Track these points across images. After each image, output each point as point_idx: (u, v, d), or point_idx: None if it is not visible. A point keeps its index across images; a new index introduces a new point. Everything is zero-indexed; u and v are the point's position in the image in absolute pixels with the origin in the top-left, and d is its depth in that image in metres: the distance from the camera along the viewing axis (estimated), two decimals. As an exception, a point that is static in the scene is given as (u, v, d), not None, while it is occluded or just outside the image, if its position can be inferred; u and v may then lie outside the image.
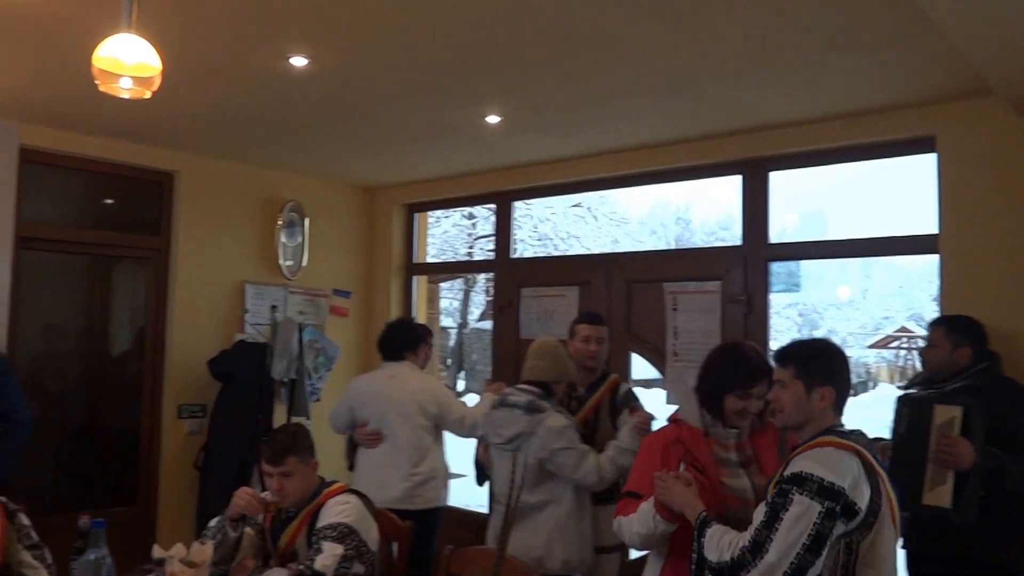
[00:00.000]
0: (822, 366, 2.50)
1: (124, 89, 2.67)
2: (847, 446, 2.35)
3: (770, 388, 2.63)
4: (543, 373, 3.70)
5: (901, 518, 2.50)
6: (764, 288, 4.62)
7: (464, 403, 4.51)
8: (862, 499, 2.26)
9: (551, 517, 3.53)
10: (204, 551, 3.03)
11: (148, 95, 2.73)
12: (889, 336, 29.19)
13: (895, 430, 3.37)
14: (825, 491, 2.23)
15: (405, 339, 4.54)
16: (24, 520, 3.33)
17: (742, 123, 4.43)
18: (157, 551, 2.97)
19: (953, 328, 3.52)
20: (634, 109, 4.24)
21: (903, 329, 27.91)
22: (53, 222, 5.23)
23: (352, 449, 4.58)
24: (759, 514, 2.35)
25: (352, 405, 4.48)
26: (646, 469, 2.78)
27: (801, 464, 2.32)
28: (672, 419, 2.92)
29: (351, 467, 4.56)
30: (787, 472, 2.34)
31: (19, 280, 4.88)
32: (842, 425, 2.47)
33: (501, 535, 2.52)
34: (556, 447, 3.50)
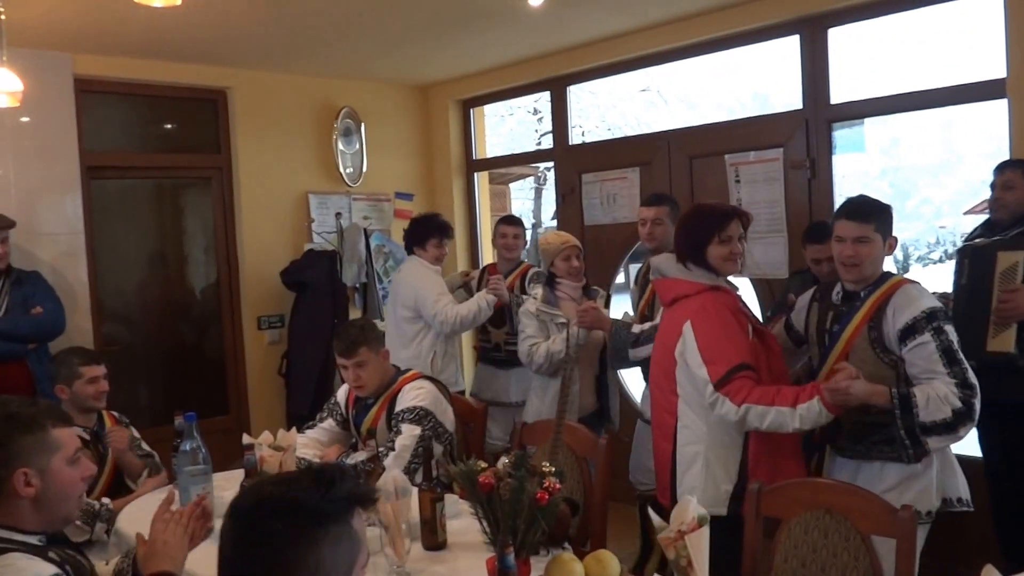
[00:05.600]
0: (889, 219, 2.75)
1: (156, -3, 2.70)
2: (909, 281, 2.71)
3: (744, 228, 2.86)
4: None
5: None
6: (828, 151, 4.45)
7: (444, 299, 4.59)
8: None
9: None
10: (290, 436, 3.22)
11: (179, 1, 2.76)
12: (984, 201, 27.80)
13: (956, 282, 3.27)
14: (945, 314, 2.63)
15: (411, 235, 4.79)
16: (134, 432, 3.63)
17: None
18: (246, 438, 3.16)
19: None
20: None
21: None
22: (116, 150, 5.36)
23: None
24: (931, 359, 2.56)
25: None
26: (738, 338, 2.75)
27: (924, 304, 2.60)
28: (712, 287, 2.88)
29: None
30: (918, 313, 2.59)
31: (91, 211, 5.05)
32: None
33: (559, 404, 2.59)
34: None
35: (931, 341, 2.54)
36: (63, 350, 3.73)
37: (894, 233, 2.78)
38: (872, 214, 2.71)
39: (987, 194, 3.50)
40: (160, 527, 2.07)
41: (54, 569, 1.77)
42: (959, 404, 2.51)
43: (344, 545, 1.32)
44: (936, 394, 2.52)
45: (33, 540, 1.85)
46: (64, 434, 1.91)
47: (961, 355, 2.55)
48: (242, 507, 1.33)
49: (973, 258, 3.24)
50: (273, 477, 1.43)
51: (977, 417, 2.54)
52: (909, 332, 2.58)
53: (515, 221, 5.08)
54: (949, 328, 2.56)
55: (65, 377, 3.46)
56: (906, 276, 2.65)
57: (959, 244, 3.61)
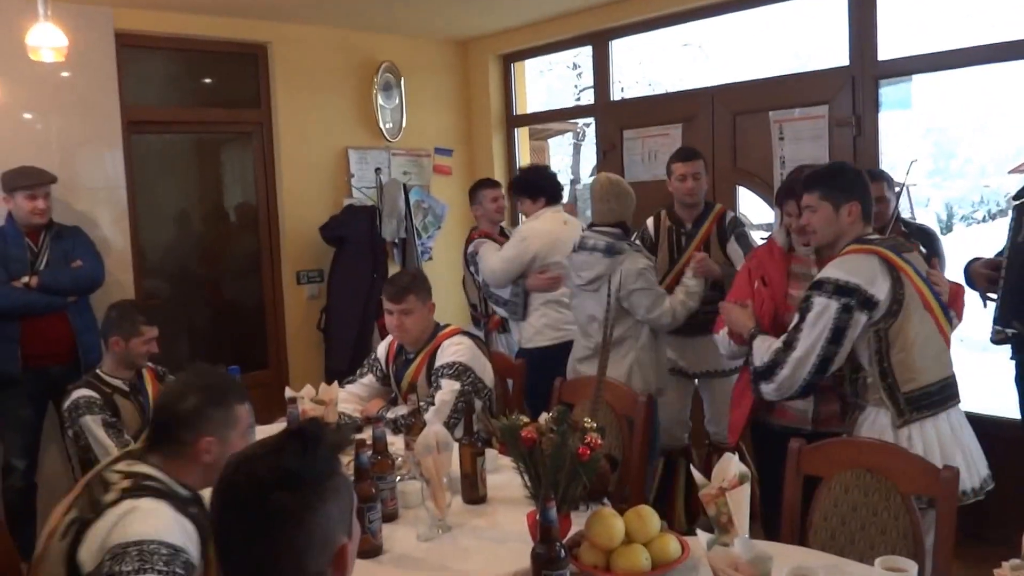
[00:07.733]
0: (844, 183, 2.73)
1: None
2: (865, 249, 2.62)
3: (799, 209, 2.87)
4: (613, 215, 3.75)
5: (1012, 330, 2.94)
6: (874, 109, 4.35)
7: None
8: (880, 291, 2.54)
9: (631, 350, 3.71)
10: (331, 391, 3.27)
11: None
12: (1034, 159, 26.95)
13: (1012, 239, 3.18)
14: (840, 289, 2.55)
15: (559, 184, 4.61)
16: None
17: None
18: (289, 392, 3.21)
19: None
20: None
21: (1052, 149, 25.71)
22: (157, 105, 5.37)
23: (526, 298, 4.48)
24: (793, 320, 2.70)
25: (538, 252, 4.38)
26: (739, 286, 3.16)
27: (822, 272, 2.66)
28: (768, 238, 3.26)
29: (525, 317, 4.48)
30: (819, 277, 2.67)
31: (132, 166, 5.07)
32: (871, 234, 2.72)
33: (600, 361, 2.64)
34: (633, 287, 3.62)
35: (800, 306, 2.67)
36: (124, 302, 3.78)
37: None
38: (815, 184, 2.78)
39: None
40: None
41: (180, 518, 1.85)
42: (767, 360, 2.72)
43: (344, 491, 1.32)
44: (767, 343, 2.77)
45: (183, 492, 1.95)
46: (243, 411, 2.04)
47: (808, 327, 2.61)
48: (240, 493, 1.27)
49: None
50: (254, 452, 1.33)
51: (775, 385, 2.69)
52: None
53: (498, 183, 5.10)
54: (819, 300, 2.59)
55: (126, 331, 3.52)
56: (864, 247, 2.65)
57: (1008, 201, 3.49)
